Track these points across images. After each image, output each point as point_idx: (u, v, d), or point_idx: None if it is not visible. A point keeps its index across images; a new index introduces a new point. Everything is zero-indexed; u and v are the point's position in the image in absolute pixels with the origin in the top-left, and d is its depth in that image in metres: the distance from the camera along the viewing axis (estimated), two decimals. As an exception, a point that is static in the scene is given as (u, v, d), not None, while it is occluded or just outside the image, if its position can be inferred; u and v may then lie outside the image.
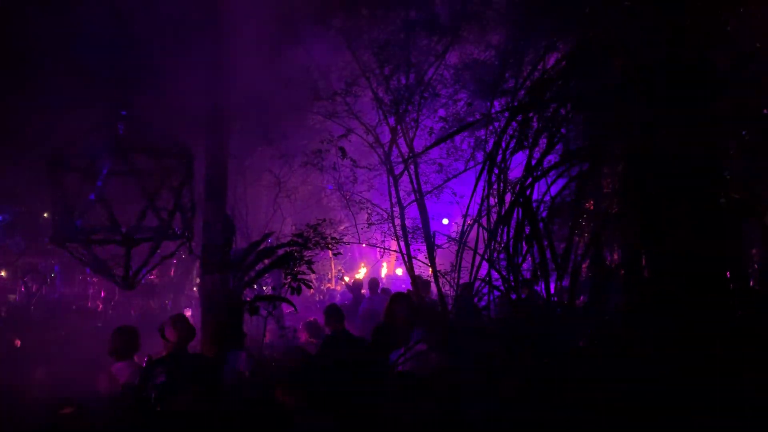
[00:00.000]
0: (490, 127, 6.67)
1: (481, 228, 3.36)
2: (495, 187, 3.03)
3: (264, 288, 8.09)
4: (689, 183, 2.90)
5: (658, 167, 3.11)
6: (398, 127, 7.20)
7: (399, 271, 16.66)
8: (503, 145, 2.90)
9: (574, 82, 3.28)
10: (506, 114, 5.74)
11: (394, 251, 8.10)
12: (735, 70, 3.13)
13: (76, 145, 4.05)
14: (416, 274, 7.62)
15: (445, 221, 11.31)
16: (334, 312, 5.78)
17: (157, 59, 4.89)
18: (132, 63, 4.72)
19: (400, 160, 7.43)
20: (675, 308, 2.81)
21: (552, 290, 2.93)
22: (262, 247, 6.34)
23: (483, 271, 3.92)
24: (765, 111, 3.09)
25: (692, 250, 2.81)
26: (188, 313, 9.40)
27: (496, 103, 6.93)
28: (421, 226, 7.39)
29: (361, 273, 16.49)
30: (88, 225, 3.96)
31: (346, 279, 14.82)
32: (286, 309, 7.38)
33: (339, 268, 15.43)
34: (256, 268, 6.36)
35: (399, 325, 4.79)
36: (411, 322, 4.80)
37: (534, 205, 3.03)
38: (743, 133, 3.10)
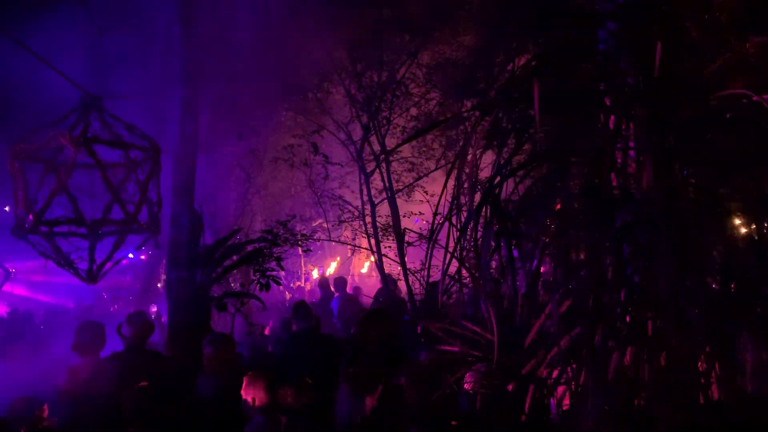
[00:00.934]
0: (461, 127, 6.73)
1: (451, 226, 3.39)
2: (465, 185, 3.06)
3: (232, 285, 8.01)
4: (654, 185, 2.97)
5: (621, 168, 3.19)
6: (371, 124, 7.21)
7: (365, 268, 16.61)
8: (473, 143, 2.94)
9: (542, 83, 3.32)
10: (476, 113, 5.80)
11: (365, 249, 8.10)
12: (699, 76, 3.22)
13: (39, 135, 3.96)
14: (386, 272, 7.64)
15: (417, 220, 11.37)
16: (302, 308, 5.73)
17: (126, 46, 4.81)
18: (99, 48, 4.63)
19: (372, 158, 7.43)
20: (636, 309, 2.88)
21: (519, 288, 2.98)
22: (230, 243, 6.28)
23: (453, 269, 3.95)
24: (728, 116, 3.18)
25: (654, 250, 2.89)
26: (153, 309, 9.25)
27: (467, 103, 6.99)
28: (392, 223, 7.41)
29: (330, 269, 16.40)
30: (51, 217, 3.88)
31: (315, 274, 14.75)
32: (255, 306, 7.32)
33: (313, 267, 15.34)
34: (225, 264, 6.30)
35: (371, 349, 4.51)
36: (388, 342, 4.55)
37: (503, 204, 3.07)
38: (708, 137, 3.19)
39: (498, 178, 2.95)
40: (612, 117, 3.12)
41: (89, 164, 4.01)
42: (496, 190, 2.89)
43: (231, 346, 4.98)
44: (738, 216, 3.12)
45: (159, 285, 11.89)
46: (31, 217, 3.86)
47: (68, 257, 4.08)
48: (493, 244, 2.97)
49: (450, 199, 3.33)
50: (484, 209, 3.03)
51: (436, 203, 7.77)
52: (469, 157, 3.03)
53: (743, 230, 3.17)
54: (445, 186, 3.06)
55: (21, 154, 3.95)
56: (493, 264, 3.29)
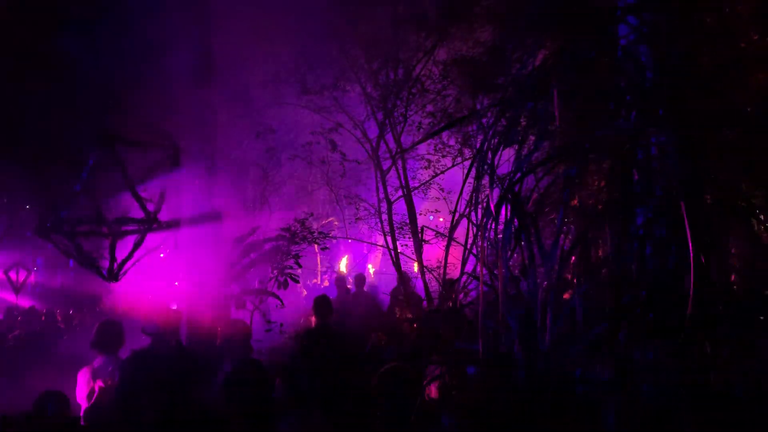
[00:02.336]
0: (477, 123, 6.68)
1: (470, 223, 3.39)
2: (484, 182, 3.05)
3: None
4: (675, 181, 2.94)
5: (643, 164, 3.16)
6: (386, 122, 7.20)
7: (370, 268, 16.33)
8: (494, 141, 2.92)
9: (561, 79, 3.30)
10: (494, 109, 5.77)
11: (381, 246, 8.11)
12: (720, 71, 3.18)
13: (61, 136, 4.01)
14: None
15: (431, 217, 11.36)
16: (323, 303, 5.72)
17: (146, 49, 4.86)
18: (121, 55, 4.68)
19: (388, 155, 7.43)
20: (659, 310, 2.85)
21: (540, 286, 2.96)
22: (249, 240, 6.32)
23: (469, 267, 3.94)
24: (749, 110, 3.14)
25: (676, 249, 2.86)
26: (173, 307, 9.31)
27: (484, 99, 6.95)
28: (408, 221, 7.40)
29: (342, 264, 16.34)
30: (73, 216, 3.92)
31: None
32: (272, 303, 7.37)
33: (328, 266, 15.33)
34: (243, 262, 6.34)
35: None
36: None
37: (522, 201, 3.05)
38: (728, 131, 3.15)
39: (518, 175, 2.93)
40: (633, 112, 3.10)
41: (110, 163, 4.05)
42: (516, 187, 2.88)
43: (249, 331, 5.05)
44: (759, 212, 3.09)
45: (176, 283, 11.98)
46: (54, 216, 3.92)
47: (90, 256, 4.13)
48: (513, 242, 2.96)
49: (468, 197, 3.32)
50: (503, 206, 3.02)
51: (453, 200, 7.73)
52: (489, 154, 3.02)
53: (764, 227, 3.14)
54: (464, 185, 3.05)
55: (43, 154, 4.00)
56: (512, 261, 3.28)
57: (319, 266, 15.13)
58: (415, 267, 9.20)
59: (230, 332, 4.88)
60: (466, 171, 7.62)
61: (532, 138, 3.21)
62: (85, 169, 3.87)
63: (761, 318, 2.95)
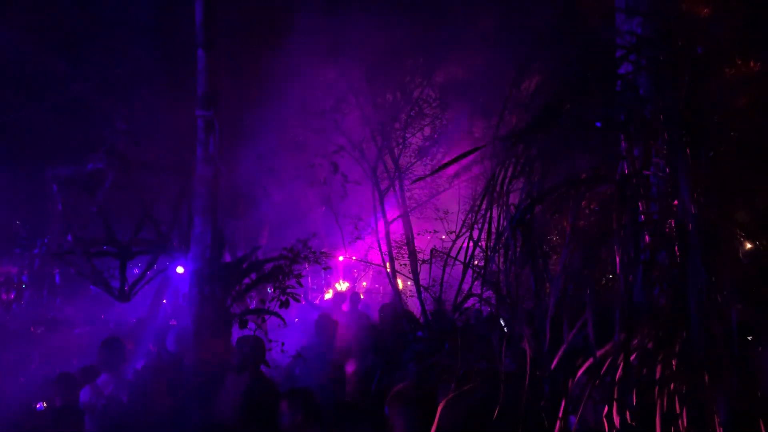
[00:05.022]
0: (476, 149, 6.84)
1: (476, 246, 3.50)
2: (496, 213, 3.17)
3: (249, 300, 8.09)
4: (680, 207, 3.08)
5: (645, 192, 3.31)
6: (384, 144, 7.36)
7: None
8: (508, 174, 3.05)
9: (566, 111, 3.45)
10: (493, 139, 5.93)
11: (378, 265, 8.22)
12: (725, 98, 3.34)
13: (77, 158, 4.10)
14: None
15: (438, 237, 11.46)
16: (327, 323, 5.82)
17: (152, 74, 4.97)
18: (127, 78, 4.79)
19: (386, 176, 7.58)
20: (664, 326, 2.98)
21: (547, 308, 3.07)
22: (250, 260, 6.37)
23: (465, 287, 4.05)
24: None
25: (681, 269, 3.00)
26: (173, 324, 9.28)
27: (477, 122, 7.15)
28: (405, 241, 7.53)
29: (342, 286, 16.31)
30: (87, 237, 4.00)
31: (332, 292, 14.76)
32: (272, 323, 7.41)
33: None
34: (243, 281, 6.39)
35: None
36: None
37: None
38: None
39: (528, 202, 3.06)
40: (636, 143, 3.25)
41: (123, 185, 4.14)
42: (528, 216, 3.01)
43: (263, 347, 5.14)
44: (751, 232, 3.23)
45: (164, 301, 11.92)
46: (69, 237, 3.99)
47: (102, 276, 4.20)
48: (522, 263, 3.08)
49: (464, 217, 3.45)
50: (516, 234, 3.14)
51: (450, 221, 7.84)
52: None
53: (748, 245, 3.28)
54: (477, 211, 3.17)
55: (59, 178, 4.08)
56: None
57: (310, 284, 15.12)
58: (400, 284, 9.31)
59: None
60: (460, 192, 7.83)
61: (539, 166, 3.35)
62: (100, 190, 3.95)
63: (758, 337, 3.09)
